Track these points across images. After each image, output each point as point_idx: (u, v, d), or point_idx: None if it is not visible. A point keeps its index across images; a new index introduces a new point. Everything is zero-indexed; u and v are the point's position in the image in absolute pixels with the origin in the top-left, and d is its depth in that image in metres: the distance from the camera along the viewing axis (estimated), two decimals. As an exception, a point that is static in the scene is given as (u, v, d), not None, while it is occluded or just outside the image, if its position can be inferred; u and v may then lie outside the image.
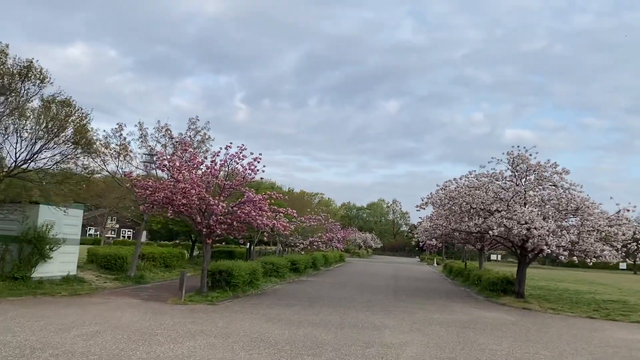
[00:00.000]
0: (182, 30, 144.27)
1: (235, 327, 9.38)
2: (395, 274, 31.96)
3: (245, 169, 13.88)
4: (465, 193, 16.99)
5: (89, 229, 72.31)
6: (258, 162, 14.23)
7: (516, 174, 17.61)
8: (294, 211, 14.58)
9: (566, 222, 16.92)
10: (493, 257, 74.00)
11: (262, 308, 12.24)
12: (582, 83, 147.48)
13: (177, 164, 13.49)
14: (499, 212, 15.96)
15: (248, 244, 34.56)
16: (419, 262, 65.04)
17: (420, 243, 22.97)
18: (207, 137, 19.00)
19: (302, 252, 30.63)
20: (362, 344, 8.36)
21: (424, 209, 18.84)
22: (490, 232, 16.07)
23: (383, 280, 25.21)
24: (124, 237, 79.52)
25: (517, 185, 17.05)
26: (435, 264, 55.92)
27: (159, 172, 16.21)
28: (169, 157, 14.28)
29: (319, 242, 28.27)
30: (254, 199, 13.21)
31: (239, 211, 13.26)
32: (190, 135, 18.44)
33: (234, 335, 8.59)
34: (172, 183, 12.85)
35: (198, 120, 18.59)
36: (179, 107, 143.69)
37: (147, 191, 13.17)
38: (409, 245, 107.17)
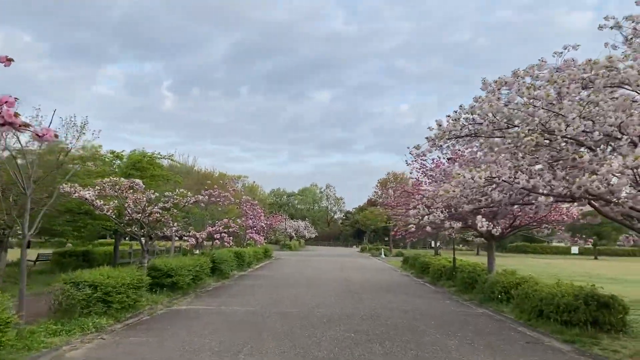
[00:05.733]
0: (104, 14, 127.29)
1: None
2: (347, 277, 21.19)
3: None
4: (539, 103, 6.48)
5: None
6: None
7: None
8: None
9: None
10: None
11: None
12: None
13: None
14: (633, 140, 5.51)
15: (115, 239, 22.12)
16: (361, 254, 55.04)
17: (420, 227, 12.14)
18: None
19: (197, 252, 19.05)
20: None
21: (421, 156, 8.30)
22: (615, 197, 5.57)
23: (330, 304, 14.16)
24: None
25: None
26: (382, 255, 46.12)
27: None
28: None
29: (223, 233, 16.71)
30: None
31: None
32: None
33: None
34: None
35: None
36: (101, 95, 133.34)
37: None
38: (344, 234, 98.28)
